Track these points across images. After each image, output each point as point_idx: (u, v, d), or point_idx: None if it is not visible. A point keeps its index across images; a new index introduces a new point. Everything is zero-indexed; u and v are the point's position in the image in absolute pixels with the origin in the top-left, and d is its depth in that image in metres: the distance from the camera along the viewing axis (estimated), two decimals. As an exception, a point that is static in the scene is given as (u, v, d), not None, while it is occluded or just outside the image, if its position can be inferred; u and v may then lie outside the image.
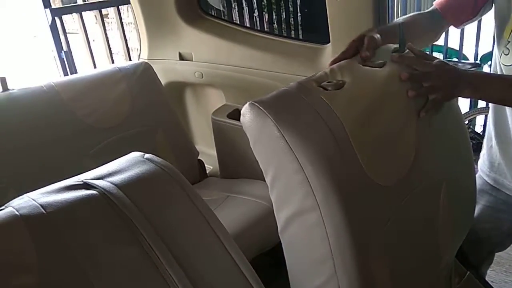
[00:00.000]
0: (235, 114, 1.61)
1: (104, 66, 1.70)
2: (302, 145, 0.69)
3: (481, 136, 3.08)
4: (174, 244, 0.75)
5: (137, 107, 1.52)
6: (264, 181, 1.49)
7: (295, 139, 0.69)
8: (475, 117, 3.08)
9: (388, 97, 0.79)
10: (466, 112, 3.14)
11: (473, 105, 3.14)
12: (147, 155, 0.89)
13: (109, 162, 0.84)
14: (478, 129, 3.22)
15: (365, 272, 0.71)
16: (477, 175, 1.17)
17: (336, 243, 0.69)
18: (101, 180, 0.79)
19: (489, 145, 1.12)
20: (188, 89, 1.94)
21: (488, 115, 1.11)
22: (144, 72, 1.56)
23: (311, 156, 0.68)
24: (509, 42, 1.00)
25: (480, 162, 1.18)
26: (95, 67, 2.28)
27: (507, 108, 1.02)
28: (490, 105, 1.12)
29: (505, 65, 1.01)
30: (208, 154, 1.83)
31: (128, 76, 1.52)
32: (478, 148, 1.21)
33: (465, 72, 0.87)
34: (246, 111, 0.76)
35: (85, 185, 0.78)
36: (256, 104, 0.74)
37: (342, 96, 0.75)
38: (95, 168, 0.81)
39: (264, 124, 0.72)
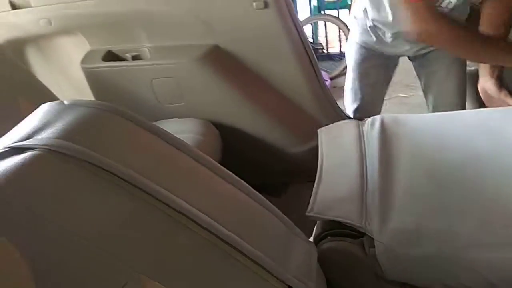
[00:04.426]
0: (110, 57, 1.40)
1: None
2: None
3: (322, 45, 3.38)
4: (165, 184, 0.62)
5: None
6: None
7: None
8: (317, 22, 3.31)
9: None
10: (307, 17, 3.32)
11: (313, 11, 3.33)
12: (67, 101, 0.71)
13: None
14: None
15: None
16: (355, 50, 1.39)
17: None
18: (31, 139, 0.61)
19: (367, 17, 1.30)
20: (30, 46, 1.58)
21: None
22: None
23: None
24: None
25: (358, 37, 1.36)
26: None
27: None
28: None
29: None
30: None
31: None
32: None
33: None
34: None
35: (14, 150, 0.58)
36: None
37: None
38: None
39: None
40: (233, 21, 1.23)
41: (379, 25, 1.28)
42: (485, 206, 0.74)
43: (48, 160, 0.57)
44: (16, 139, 0.61)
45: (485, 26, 1.10)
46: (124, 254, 0.54)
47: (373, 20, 1.28)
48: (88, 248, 0.52)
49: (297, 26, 1.23)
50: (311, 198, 0.87)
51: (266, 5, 1.16)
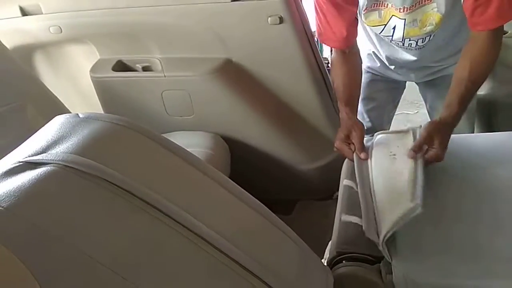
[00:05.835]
0: (119, 67, 1.38)
1: None
2: None
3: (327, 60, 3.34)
4: (179, 202, 0.60)
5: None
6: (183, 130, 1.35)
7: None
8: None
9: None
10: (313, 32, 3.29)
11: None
12: (82, 114, 0.69)
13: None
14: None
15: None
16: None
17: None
18: (45, 154, 0.58)
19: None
20: (39, 53, 1.57)
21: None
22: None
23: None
24: None
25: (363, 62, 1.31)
26: None
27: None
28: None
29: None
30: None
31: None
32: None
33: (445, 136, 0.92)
34: None
35: (28, 165, 0.56)
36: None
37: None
38: None
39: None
40: (247, 35, 1.21)
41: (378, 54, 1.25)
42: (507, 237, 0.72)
43: (63, 177, 0.54)
44: (29, 153, 0.58)
45: None
46: (141, 280, 0.52)
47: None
48: (103, 273, 0.50)
49: (311, 43, 1.21)
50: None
51: (281, 21, 1.15)
